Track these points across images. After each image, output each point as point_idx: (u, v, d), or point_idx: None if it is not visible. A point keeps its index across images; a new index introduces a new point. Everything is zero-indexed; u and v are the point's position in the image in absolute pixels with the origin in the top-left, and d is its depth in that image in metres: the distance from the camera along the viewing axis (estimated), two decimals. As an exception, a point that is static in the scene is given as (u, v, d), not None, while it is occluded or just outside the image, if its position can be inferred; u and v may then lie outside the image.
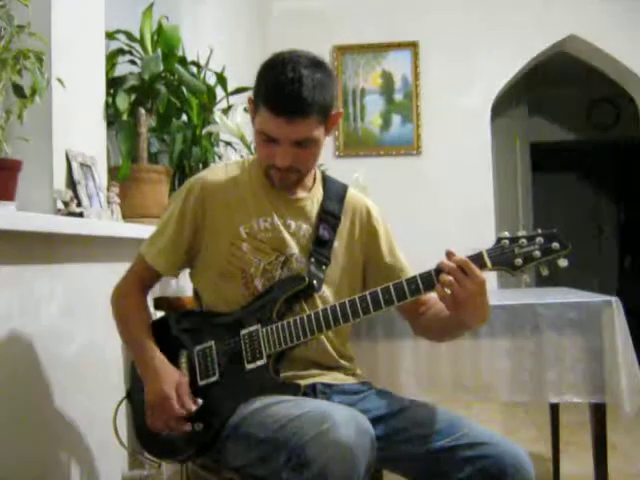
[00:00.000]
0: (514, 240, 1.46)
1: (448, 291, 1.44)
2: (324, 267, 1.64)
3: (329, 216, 1.69)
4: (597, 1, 4.70)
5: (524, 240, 1.46)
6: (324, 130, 1.57)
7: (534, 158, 6.67)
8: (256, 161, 1.71)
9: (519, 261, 1.45)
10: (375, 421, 1.42)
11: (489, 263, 1.46)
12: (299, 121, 1.50)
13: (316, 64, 1.54)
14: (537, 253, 1.45)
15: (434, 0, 4.87)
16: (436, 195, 4.79)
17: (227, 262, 1.63)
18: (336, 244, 1.69)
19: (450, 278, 1.43)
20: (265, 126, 1.53)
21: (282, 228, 1.65)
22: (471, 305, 1.44)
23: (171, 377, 1.57)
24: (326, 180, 1.76)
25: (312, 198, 1.71)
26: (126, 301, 1.71)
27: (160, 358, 1.61)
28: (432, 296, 1.65)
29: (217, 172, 1.71)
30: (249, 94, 1.63)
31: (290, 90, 1.48)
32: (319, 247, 1.66)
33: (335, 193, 1.74)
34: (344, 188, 1.77)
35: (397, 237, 1.78)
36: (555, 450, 3.06)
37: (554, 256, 1.44)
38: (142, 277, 1.72)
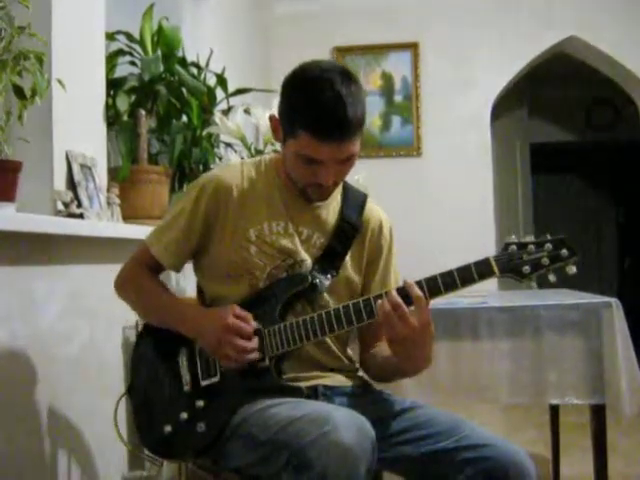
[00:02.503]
0: (522, 246, 1.43)
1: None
2: (329, 276, 1.62)
3: (348, 226, 1.66)
4: (597, 2, 4.70)
5: (532, 246, 1.43)
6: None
7: (534, 159, 6.66)
8: (274, 164, 1.68)
9: (527, 269, 1.42)
10: (376, 423, 1.42)
11: (497, 271, 1.43)
12: (346, 141, 1.47)
13: (345, 75, 1.49)
14: (545, 260, 1.41)
15: (434, 1, 4.86)
16: (436, 196, 4.79)
17: (234, 264, 1.61)
18: (348, 256, 1.66)
19: (388, 309, 1.42)
20: (308, 151, 1.48)
21: (294, 234, 1.63)
22: (411, 345, 1.44)
23: (219, 310, 1.56)
24: (346, 188, 1.72)
25: (328, 207, 1.67)
26: (137, 279, 1.69)
27: (202, 308, 1.64)
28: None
29: (232, 171, 1.66)
30: (272, 112, 1.59)
31: (334, 114, 1.43)
32: (330, 257, 1.63)
33: (355, 203, 1.70)
34: (364, 198, 1.72)
35: (398, 239, 1.76)
36: (555, 451, 3.06)
37: (562, 263, 1.41)
38: (148, 265, 1.69)
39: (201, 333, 1.57)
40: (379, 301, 1.45)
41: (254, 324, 1.54)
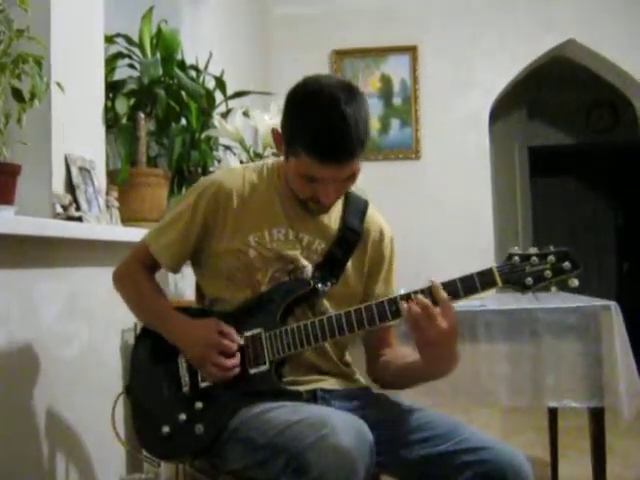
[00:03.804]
0: (525, 258, 1.43)
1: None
2: (329, 283, 1.62)
3: (350, 233, 1.65)
4: (596, 5, 4.71)
5: (535, 258, 1.43)
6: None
7: (533, 162, 6.66)
8: (275, 170, 1.67)
9: (529, 280, 1.42)
10: (374, 426, 1.42)
11: (499, 281, 1.44)
12: (347, 163, 1.46)
13: (349, 90, 1.47)
14: (548, 273, 1.42)
15: (433, 4, 4.87)
16: (435, 199, 4.79)
17: (235, 268, 1.61)
18: (349, 263, 1.66)
19: (417, 311, 1.42)
20: (309, 171, 1.48)
21: (295, 241, 1.62)
22: (440, 346, 1.43)
23: (207, 324, 1.56)
24: (348, 195, 1.71)
25: (330, 213, 1.67)
26: (135, 277, 1.69)
27: (188, 318, 1.61)
28: (400, 348, 1.68)
29: (234, 176, 1.66)
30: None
31: (337, 138, 1.42)
32: (330, 264, 1.63)
33: (356, 210, 1.69)
34: (365, 205, 1.72)
35: (396, 241, 1.77)
36: (554, 454, 3.06)
37: (565, 276, 1.42)
38: (145, 263, 1.69)
39: (185, 348, 1.59)
40: (404, 304, 1.44)
41: (238, 339, 1.54)
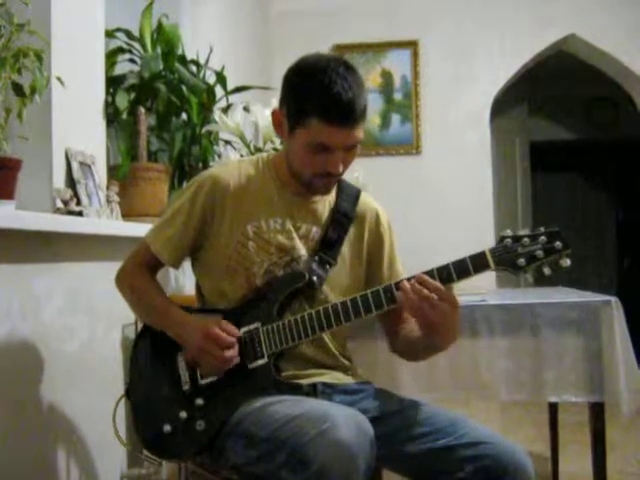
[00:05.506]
0: (517, 239, 1.45)
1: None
2: (328, 267, 1.63)
3: (342, 216, 1.68)
4: (597, 0, 4.70)
5: (527, 239, 1.45)
6: None
7: (533, 157, 6.66)
8: (271, 161, 1.70)
9: (522, 261, 1.44)
10: (375, 421, 1.42)
11: (492, 263, 1.45)
12: (355, 127, 1.51)
13: (346, 64, 1.54)
14: (540, 253, 1.43)
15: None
16: (436, 194, 4.79)
17: (232, 260, 1.62)
18: (344, 246, 1.68)
19: (417, 302, 1.44)
20: (320, 137, 1.50)
21: (292, 231, 1.64)
22: (442, 326, 1.46)
23: (205, 319, 1.57)
24: (341, 183, 1.74)
25: (324, 201, 1.69)
26: (137, 278, 1.70)
27: (189, 315, 1.62)
28: (412, 321, 1.67)
29: (230, 169, 1.68)
30: (272, 109, 1.62)
31: (346, 99, 1.47)
32: (326, 248, 1.65)
33: (349, 195, 1.72)
34: (358, 191, 1.75)
35: (396, 237, 1.78)
36: (554, 449, 3.06)
37: (557, 256, 1.43)
38: (147, 263, 1.71)
39: (184, 340, 1.59)
40: (398, 293, 1.47)
41: (236, 332, 1.55)
